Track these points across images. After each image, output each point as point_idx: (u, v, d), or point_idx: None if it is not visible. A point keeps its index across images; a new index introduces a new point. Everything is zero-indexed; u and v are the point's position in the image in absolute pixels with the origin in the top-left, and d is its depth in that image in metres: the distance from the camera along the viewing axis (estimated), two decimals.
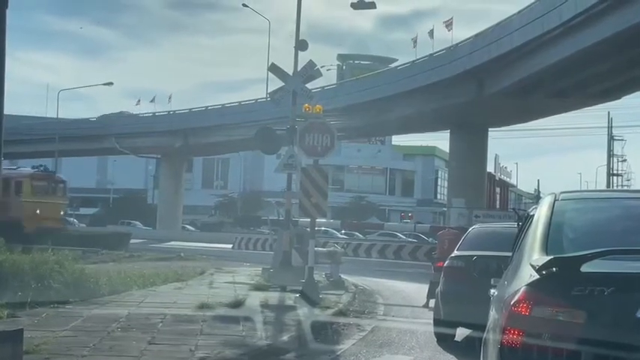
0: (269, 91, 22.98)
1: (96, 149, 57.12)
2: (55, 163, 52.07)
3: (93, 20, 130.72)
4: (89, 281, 12.77)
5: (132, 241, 35.85)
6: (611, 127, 53.82)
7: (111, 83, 55.46)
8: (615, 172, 57.76)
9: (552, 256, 3.78)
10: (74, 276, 12.49)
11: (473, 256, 10.47)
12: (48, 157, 54.34)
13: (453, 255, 11.04)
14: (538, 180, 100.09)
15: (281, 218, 18.58)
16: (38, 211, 31.04)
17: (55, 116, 53.61)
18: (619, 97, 37.50)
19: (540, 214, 4.46)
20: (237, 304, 11.75)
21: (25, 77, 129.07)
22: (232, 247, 40.59)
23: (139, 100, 63.70)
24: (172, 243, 41.93)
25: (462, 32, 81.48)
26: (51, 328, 8.92)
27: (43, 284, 11.52)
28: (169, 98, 64.09)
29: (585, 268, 3.65)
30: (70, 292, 11.57)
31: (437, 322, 10.55)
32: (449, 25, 42.81)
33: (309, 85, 17.81)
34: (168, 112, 55.99)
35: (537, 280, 3.73)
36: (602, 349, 3.53)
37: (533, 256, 3.99)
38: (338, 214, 58.82)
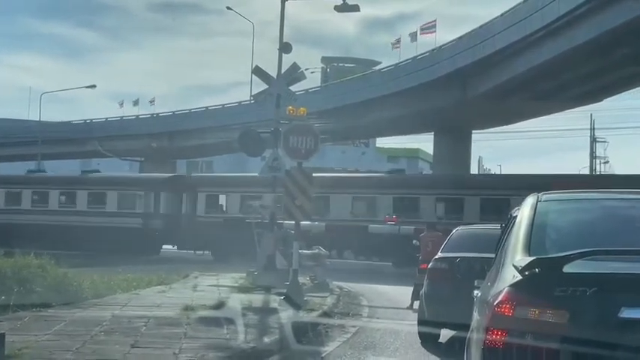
0: (253, 94, 22.94)
1: (79, 152, 56.77)
2: (38, 166, 51.74)
3: (76, 23, 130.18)
4: (72, 285, 12.70)
5: None
6: (594, 128, 54.24)
7: (94, 86, 55.09)
8: (598, 173, 58.16)
9: (535, 257, 3.79)
10: (57, 280, 12.42)
11: (456, 257, 10.51)
12: (30, 160, 53.99)
13: (436, 257, 11.08)
14: None
15: (265, 221, 18.53)
16: None
17: (38, 119, 53.27)
18: (600, 100, 37.80)
19: (523, 215, 4.48)
20: (221, 307, 11.72)
21: (6, 80, 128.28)
22: None
23: (122, 102, 63.33)
24: None
25: (445, 35, 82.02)
26: (33, 332, 8.85)
27: (26, 288, 11.43)
28: (153, 101, 63.79)
29: (568, 268, 3.67)
30: (53, 296, 11.49)
31: (421, 323, 10.57)
32: (428, 28, 42.82)
33: (293, 88, 17.81)
34: (152, 114, 55.76)
35: (520, 280, 3.74)
36: (585, 349, 3.55)
37: (516, 257, 4.00)
38: None
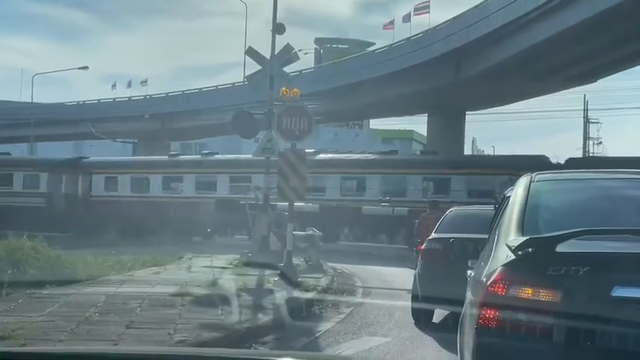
0: (246, 75, 22.84)
1: (72, 134, 56.53)
2: (31, 148, 51.56)
3: (68, 4, 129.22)
4: (65, 267, 12.69)
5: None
6: (587, 109, 54.29)
7: (86, 67, 54.91)
8: (591, 154, 58.27)
9: (528, 237, 3.81)
10: (50, 262, 12.41)
11: (450, 238, 10.54)
12: (23, 142, 53.79)
13: (430, 237, 11.10)
14: None
15: (259, 202, 18.54)
16: None
17: (30, 101, 52.96)
18: (594, 80, 37.80)
19: (516, 195, 4.49)
20: (216, 287, 11.74)
21: None
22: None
23: (114, 84, 62.98)
24: None
25: (438, 16, 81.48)
26: (27, 314, 8.86)
27: (19, 270, 11.43)
28: (145, 82, 63.37)
29: (560, 248, 3.68)
30: (47, 278, 11.49)
31: (415, 303, 10.62)
32: (421, 8, 42.64)
33: (286, 69, 17.75)
34: (145, 96, 55.52)
35: (513, 260, 3.76)
36: (578, 327, 3.57)
37: (510, 237, 4.02)
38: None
